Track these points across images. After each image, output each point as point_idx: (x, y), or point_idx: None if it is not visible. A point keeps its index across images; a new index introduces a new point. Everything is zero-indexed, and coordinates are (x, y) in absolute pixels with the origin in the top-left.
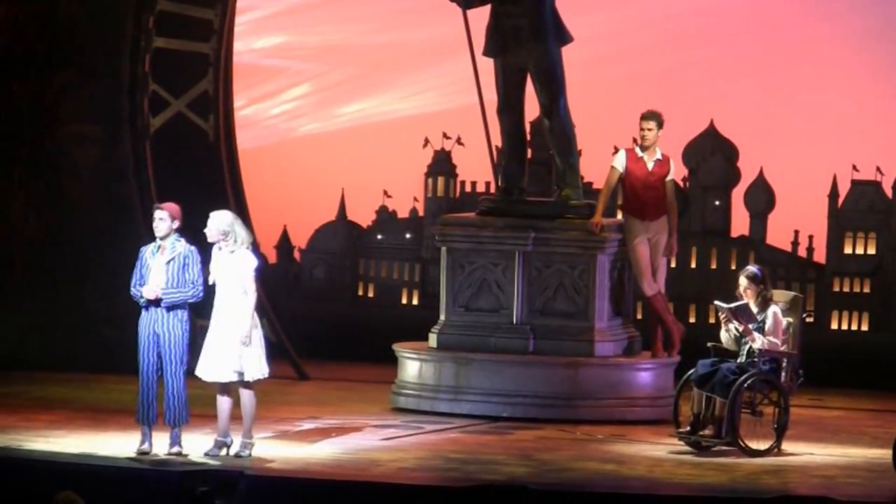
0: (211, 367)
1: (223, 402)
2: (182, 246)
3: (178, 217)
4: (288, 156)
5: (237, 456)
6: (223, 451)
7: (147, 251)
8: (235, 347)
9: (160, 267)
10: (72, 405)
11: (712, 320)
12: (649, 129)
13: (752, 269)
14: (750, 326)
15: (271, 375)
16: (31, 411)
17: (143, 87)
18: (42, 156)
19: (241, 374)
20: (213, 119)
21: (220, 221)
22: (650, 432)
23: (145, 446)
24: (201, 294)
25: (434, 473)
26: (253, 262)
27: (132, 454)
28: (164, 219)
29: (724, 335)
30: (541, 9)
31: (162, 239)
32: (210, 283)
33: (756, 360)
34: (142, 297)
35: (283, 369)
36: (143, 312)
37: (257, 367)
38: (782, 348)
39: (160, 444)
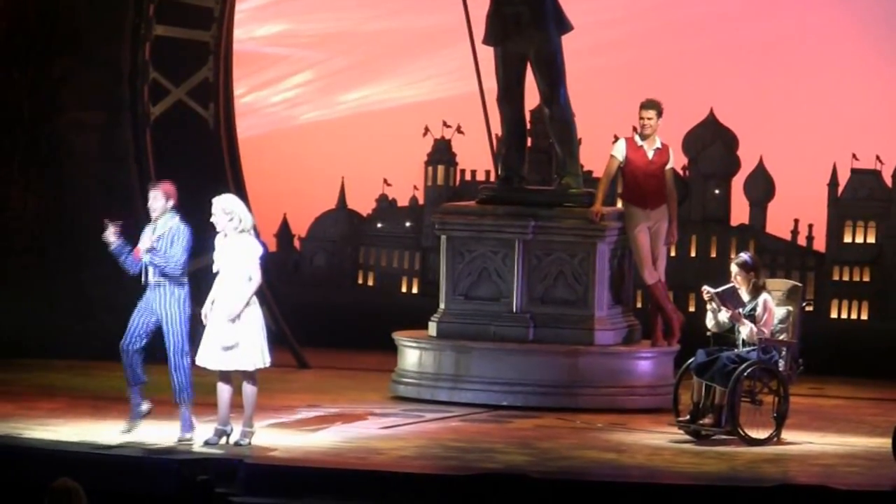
0: (211, 355)
1: (223, 391)
2: (174, 222)
3: (173, 195)
4: (288, 144)
5: (237, 444)
6: (223, 440)
7: (147, 229)
8: (236, 334)
9: (150, 239)
10: (72, 393)
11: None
12: (649, 118)
13: (743, 256)
14: (739, 311)
15: (271, 363)
16: (31, 399)
17: (144, 74)
18: (42, 143)
19: (241, 362)
20: (213, 107)
21: (222, 201)
22: (650, 421)
23: (135, 422)
24: (179, 270)
25: (434, 462)
26: (259, 248)
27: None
28: (157, 198)
29: (709, 319)
30: None
31: (157, 218)
32: (214, 270)
33: (755, 347)
34: (114, 244)
35: (282, 357)
36: (148, 291)
37: (258, 356)
38: (781, 337)
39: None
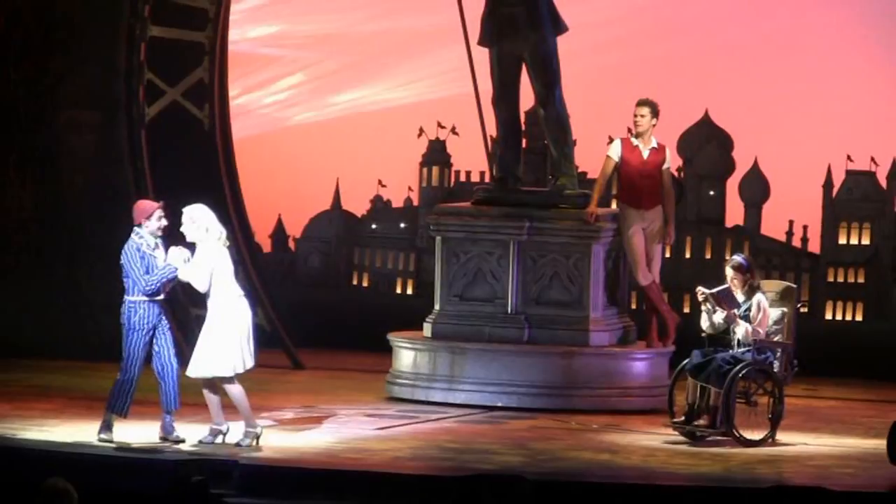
0: None
1: (229, 393)
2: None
3: (135, 215)
4: (283, 145)
5: (237, 444)
6: (253, 441)
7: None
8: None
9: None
10: (67, 393)
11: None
12: (642, 116)
13: (737, 258)
14: (735, 312)
15: (265, 364)
16: (26, 399)
17: (139, 75)
18: (38, 143)
19: (188, 368)
20: (208, 108)
21: (189, 210)
22: (645, 422)
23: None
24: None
25: (429, 463)
26: (210, 259)
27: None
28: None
29: (704, 320)
30: None
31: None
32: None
33: (750, 348)
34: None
35: (277, 358)
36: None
37: (200, 363)
38: (776, 338)
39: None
